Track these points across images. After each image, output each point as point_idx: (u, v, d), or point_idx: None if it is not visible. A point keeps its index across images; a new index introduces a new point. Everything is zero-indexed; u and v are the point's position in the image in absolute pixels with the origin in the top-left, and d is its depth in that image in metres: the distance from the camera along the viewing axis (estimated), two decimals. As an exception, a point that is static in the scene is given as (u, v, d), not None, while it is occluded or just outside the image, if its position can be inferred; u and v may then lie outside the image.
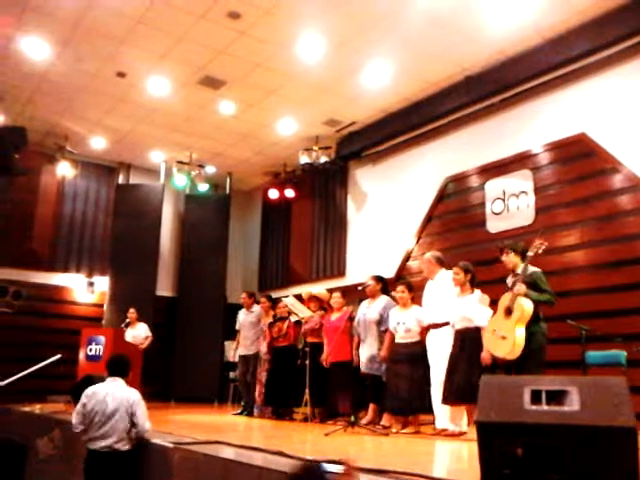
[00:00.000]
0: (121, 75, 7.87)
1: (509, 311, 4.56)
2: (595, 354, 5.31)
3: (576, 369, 5.38)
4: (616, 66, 6.49)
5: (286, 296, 7.79)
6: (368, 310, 5.99)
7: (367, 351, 5.88)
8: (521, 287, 4.58)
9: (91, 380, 6.55)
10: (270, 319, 7.31)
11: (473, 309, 4.96)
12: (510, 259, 4.98)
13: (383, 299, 5.99)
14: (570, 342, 5.78)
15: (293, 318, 6.98)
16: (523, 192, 7.17)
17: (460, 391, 4.79)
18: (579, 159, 6.71)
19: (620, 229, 6.20)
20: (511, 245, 5.07)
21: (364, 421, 5.60)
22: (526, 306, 4.53)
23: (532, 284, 4.68)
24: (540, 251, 4.71)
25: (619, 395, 2.07)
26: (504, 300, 4.66)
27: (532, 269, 4.80)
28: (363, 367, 5.87)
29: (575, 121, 6.79)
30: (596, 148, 6.53)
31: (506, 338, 4.49)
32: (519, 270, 4.81)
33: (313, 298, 6.94)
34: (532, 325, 4.59)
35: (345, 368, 6.12)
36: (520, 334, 4.48)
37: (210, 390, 10.19)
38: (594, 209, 6.46)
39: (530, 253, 4.73)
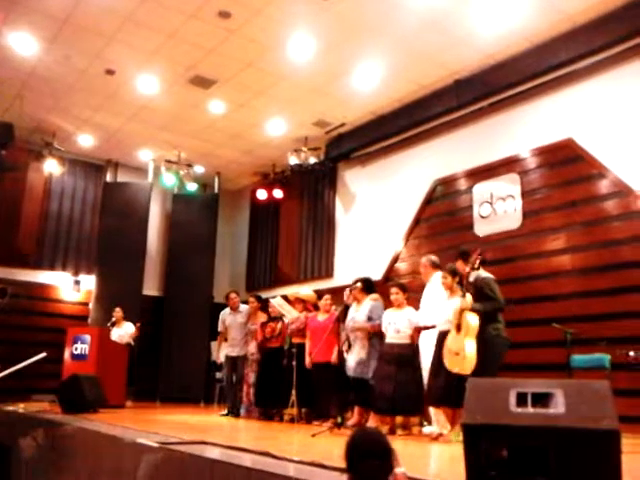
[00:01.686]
0: (110, 72, 7.83)
1: (459, 327, 4.70)
2: (580, 357, 5.36)
3: (561, 372, 5.43)
4: (603, 72, 6.56)
5: (274, 296, 7.78)
6: (356, 314, 6.00)
7: (355, 355, 5.85)
8: (464, 302, 4.71)
9: (77, 379, 6.55)
10: (261, 319, 7.27)
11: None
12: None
13: (369, 301, 6.00)
14: (555, 345, 5.84)
15: (285, 319, 6.95)
16: (510, 196, 7.23)
17: (440, 394, 4.85)
18: (566, 164, 6.77)
19: (606, 234, 6.26)
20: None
21: (350, 422, 5.61)
22: (471, 321, 4.69)
23: (479, 291, 4.82)
24: (476, 265, 4.87)
25: (603, 398, 2.09)
26: (454, 317, 4.80)
27: (482, 275, 4.90)
28: (351, 371, 5.84)
29: (562, 126, 6.85)
30: (583, 153, 6.60)
31: (458, 354, 4.64)
32: (471, 278, 4.93)
33: (299, 300, 6.94)
34: (485, 328, 4.68)
35: (331, 369, 6.13)
36: (470, 349, 4.62)
37: (196, 390, 10.16)
38: (581, 214, 6.52)
39: (467, 269, 4.93)
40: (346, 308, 6.15)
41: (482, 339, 4.69)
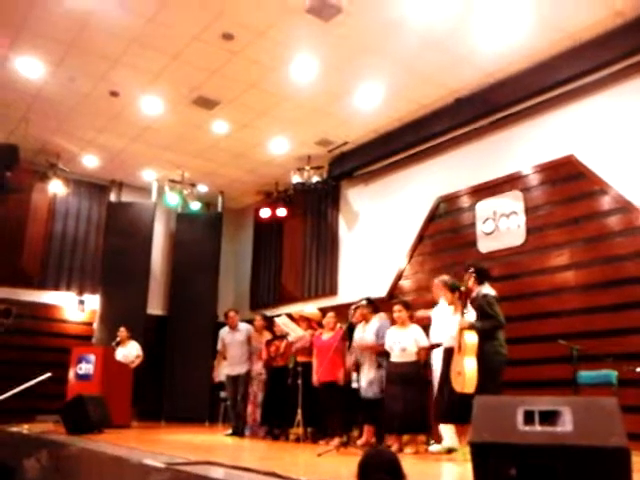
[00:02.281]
0: (114, 94, 7.92)
1: (459, 346, 4.72)
2: (586, 374, 5.34)
3: (567, 388, 5.41)
4: (604, 90, 6.61)
5: (278, 315, 7.77)
6: (365, 334, 5.98)
7: (366, 376, 5.83)
8: (463, 321, 4.74)
9: (82, 400, 6.54)
10: (266, 337, 7.26)
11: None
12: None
13: (376, 320, 5.99)
14: (561, 362, 5.82)
15: (290, 337, 6.94)
16: (514, 212, 7.25)
17: (444, 410, 4.84)
18: (568, 181, 6.80)
19: (609, 250, 6.27)
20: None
21: (360, 442, 5.58)
22: (468, 340, 4.71)
23: (478, 308, 4.85)
24: (470, 284, 4.99)
25: (612, 415, 2.09)
26: (455, 335, 4.84)
27: (483, 292, 4.92)
28: (362, 392, 5.82)
29: (564, 143, 6.89)
30: (584, 170, 6.63)
31: (460, 374, 4.64)
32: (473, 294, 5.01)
33: (303, 318, 6.94)
34: (485, 345, 4.70)
35: (337, 388, 6.10)
36: (470, 367, 4.62)
37: (201, 410, 10.11)
38: (583, 230, 6.54)
39: (462, 288, 5.05)
40: (352, 326, 6.14)
41: (480, 357, 4.69)
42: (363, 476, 2.02)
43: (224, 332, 7.71)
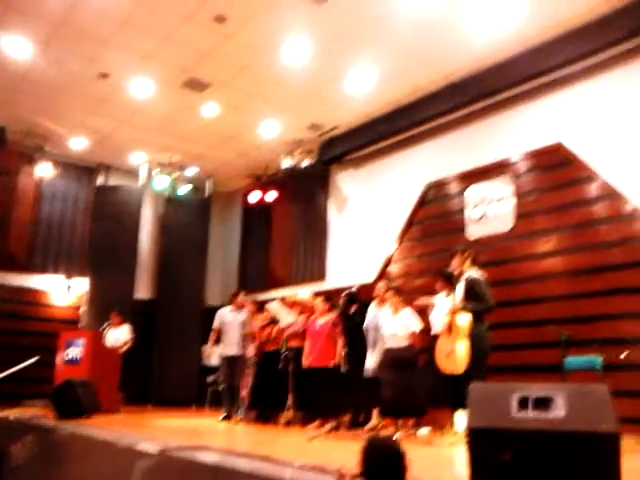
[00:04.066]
0: (104, 76, 7.80)
1: (450, 328, 4.79)
2: (572, 359, 5.44)
3: (553, 374, 5.51)
4: (592, 77, 6.66)
5: (267, 299, 7.80)
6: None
7: (378, 357, 5.85)
8: (455, 304, 4.82)
9: (72, 385, 6.52)
10: (259, 322, 7.29)
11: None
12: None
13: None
14: (547, 347, 5.93)
15: (281, 324, 6.98)
16: (502, 199, 7.30)
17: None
18: (556, 168, 6.86)
19: (595, 236, 6.36)
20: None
21: (369, 426, 5.64)
22: (460, 322, 4.83)
23: (469, 291, 4.96)
24: (464, 266, 5.18)
25: (603, 401, 2.15)
26: (446, 318, 4.92)
27: (473, 275, 5.00)
28: (370, 372, 5.88)
29: (552, 130, 6.94)
30: (572, 157, 6.69)
31: (450, 355, 4.73)
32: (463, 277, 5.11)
33: (297, 303, 6.97)
34: (475, 327, 4.82)
35: (329, 373, 6.15)
36: (461, 349, 4.69)
37: (188, 394, 10.12)
38: (571, 217, 6.61)
39: (456, 271, 5.24)
40: (364, 308, 6.17)
41: (471, 338, 4.78)
42: (366, 466, 2.05)
43: (225, 311, 7.72)
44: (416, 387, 5.28)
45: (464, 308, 4.86)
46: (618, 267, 6.07)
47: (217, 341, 7.70)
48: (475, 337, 4.79)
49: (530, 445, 2.16)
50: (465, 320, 4.79)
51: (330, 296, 6.91)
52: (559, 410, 2.20)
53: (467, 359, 4.70)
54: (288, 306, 7.10)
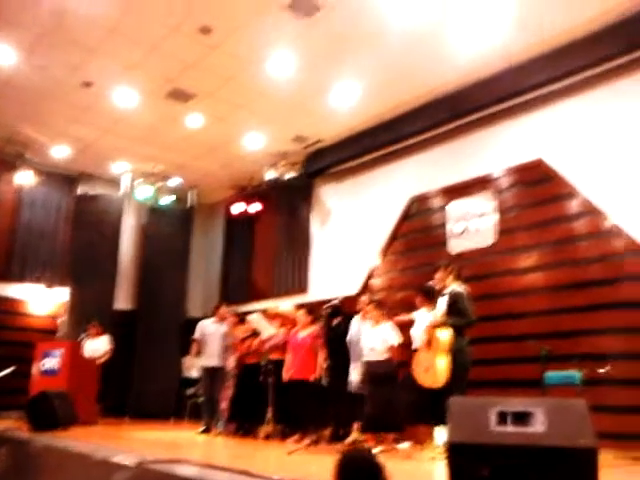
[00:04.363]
0: (87, 84, 7.75)
1: (429, 343, 4.80)
2: (552, 374, 5.46)
3: (533, 388, 5.53)
4: (573, 95, 6.76)
5: (250, 312, 7.75)
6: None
7: (360, 372, 5.83)
8: (435, 319, 4.84)
9: (47, 396, 6.40)
10: (240, 334, 7.24)
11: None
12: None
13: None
14: (528, 362, 5.95)
15: (263, 336, 6.94)
16: (484, 214, 7.36)
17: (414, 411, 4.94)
18: (537, 184, 6.94)
19: (576, 252, 6.42)
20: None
21: (349, 440, 5.60)
22: (441, 337, 4.83)
23: (451, 305, 4.96)
24: (446, 281, 5.19)
25: (582, 417, 2.16)
26: (424, 333, 4.93)
27: (456, 289, 5.03)
28: (354, 387, 5.85)
29: (534, 147, 7.03)
30: (552, 174, 6.78)
31: (429, 370, 4.74)
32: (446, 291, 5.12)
33: (278, 315, 6.94)
34: (455, 342, 4.82)
35: (309, 386, 6.12)
36: (441, 364, 4.70)
37: (167, 406, 9.98)
38: (551, 233, 6.68)
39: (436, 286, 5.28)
40: (347, 320, 6.15)
41: (452, 353, 4.79)
42: (342, 478, 2.03)
43: (206, 322, 7.70)
44: (395, 402, 5.26)
45: (445, 323, 4.87)
46: (598, 283, 6.14)
47: (198, 352, 7.64)
48: (456, 352, 4.79)
49: (508, 460, 2.16)
50: (446, 335, 4.80)
51: (312, 308, 6.89)
52: (538, 425, 2.20)
53: (447, 374, 4.70)
54: (269, 318, 7.06)
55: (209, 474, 3.52)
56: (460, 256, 7.37)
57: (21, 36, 6.74)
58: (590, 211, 6.38)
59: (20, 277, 10.11)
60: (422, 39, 6.51)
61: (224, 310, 7.74)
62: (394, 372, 5.39)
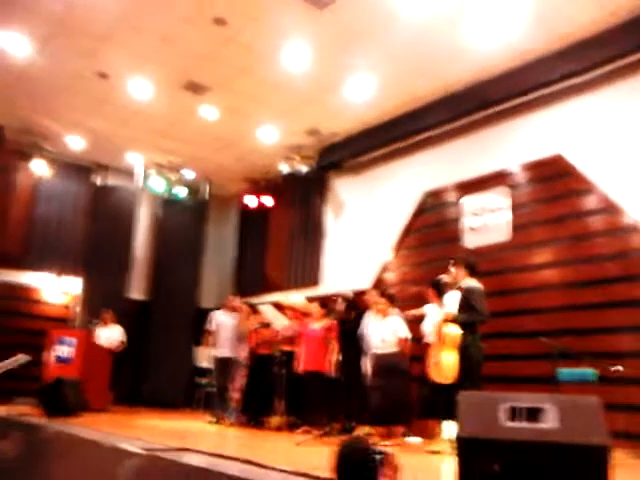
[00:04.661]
0: (103, 76, 7.78)
1: (439, 338, 4.77)
2: (566, 371, 5.40)
3: (546, 385, 5.47)
4: (593, 90, 6.66)
5: (262, 303, 7.77)
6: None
7: (369, 363, 5.83)
8: (446, 313, 4.80)
9: (60, 383, 6.46)
10: (254, 325, 7.27)
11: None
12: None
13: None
14: (541, 358, 5.89)
15: (276, 326, 6.95)
16: (500, 209, 7.29)
17: (426, 406, 4.91)
18: (555, 179, 6.85)
19: (592, 249, 6.34)
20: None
21: (359, 432, 5.58)
22: (450, 332, 4.79)
23: (465, 300, 4.92)
24: (457, 276, 5.18)
25: (594, 414, 2.12)
26: (434, 327, 4.90)
27: (471, 285, 4.97)
28: (368, 381, 5.85)
29: (551, 142, 6.93)
30: (571, 170, 6.68)
31: (437, 364, 4.71)
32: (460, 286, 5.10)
33: (290, 307, 6.94)
34: (466, 338, 4.75)
35: (321, 378, 6.11)
36: (448, 359, 4.67)
37: (179, 395, 10.08)
38: (568, 229, 6.60)
39: (445, 279, 5.34)
40: (360, 314, 6.13)
41: (462, 349, 4.74)
42: (339, 471, 2.02)
43: (218, 313, 7.78)
44: (403, 395, 5.23)
45: (454, 319, 4.82)
46: (613, 280, 6.05)
47: (213, 343, 7.72)
48: (465, 347, 4.75)
49: (519, 456, 2.13)
50: (453, 330, 4.75)
51: (325, 301, 6.88)
52: (550, 421, 2.16)
53: (455, 370, 4.66)
54: (281, 310, 7.06)
55: (217, 463, 3.53)
56: (475, 251, 7.30)
57: (36, 26, 6.77)
58: (608, 207, 6.28)
59: (36, 266, 10.21)
60: (437, 32, 6.44)
61: (233, 300, 7.81)
62: (404, 365, 5.36)
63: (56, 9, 6.43)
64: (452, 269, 5.25)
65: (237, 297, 8.02)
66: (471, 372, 4.71)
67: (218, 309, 8.01)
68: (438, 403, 4.63)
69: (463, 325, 4.80)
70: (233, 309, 7.70)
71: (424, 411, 5.04)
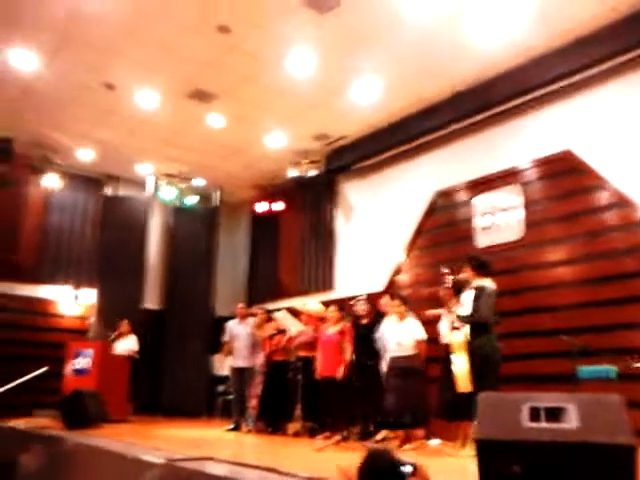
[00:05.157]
0: (110, 87, 7.84)
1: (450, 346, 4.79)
2: (586, 369, 5.35)
3: (565, 383, 5.42)
4: (601, 84, 6.61)
5: (277, 309, 7.77)
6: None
7: (386, 366, 5.78)
8: (453, 317, 4.78)
9: (80, 395, 6.51)
10: (270, 331, 7.28)
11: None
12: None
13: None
14: (558, 356, 5.84)
15: (291, 332, 6.95)
16: (511, 207, 7.24)
17: (443, 407, 4.88)
18: (565, 176, 6.80)
19: (606, 245, 6.28)
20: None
21: (378, 437, 5.58)
22: (454, 338, 4.81)
23: (475, 300, 4.86)
24: (466, 275, 5.12)
25: (617, 412, 2.09)
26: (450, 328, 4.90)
27: (482, 285, 4.91)
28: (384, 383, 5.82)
29: (561, 138, 6.89)
30: (581, 165, 6.63)
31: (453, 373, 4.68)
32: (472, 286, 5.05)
33: (302, 313, 6.94)
34: (479, 340, 4.69)
35: (338, 383, 6.09)
36: (459, 365, 4.64)
37: (198, 404, 10.10)
38: (581, 225, 6.54)
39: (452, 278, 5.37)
40: (377, 318, 6.12)
41: (475, 352, 4.70)
42: (364, 477, 2.00)
43: (232, 323, 7.79)
44: (420, 397, 5.21)
45: (458, 318, 4.79)
46: (629, 275, 5.99)
47: (230, 352, 7.76)
48: (480, 348, 4.68)
49: (541, 457, 2.10)
50: (459, 337, 4.73)
51: (340, 306, 6.87)
52: (572, 421, 2.14)
53: (467, 373, 4.62)
54: (296, 316, 7.06)
55: (238, 472, 3.53)
56: (487, 250, 7.26)
57: (41, 41, 6.83)
58: (621, 202, 6.23)
59: (50, 279, 10.30)
60: (442, 33, 6.42)
61: (242, 307, 7.83)
62: (420, 367, 5.34)
63: (61, 23, 6.48)
64: (462, 269, 5.22)
65: (244, 304, 8.03)
66: (486, 373, 4.66)
67: (233, 317, 8.02)
68: (461, 405, 4.60)
69: (475, 326, 4.74)
70: (247, 315, 7.70)
71: (448, 414, 5.00)
